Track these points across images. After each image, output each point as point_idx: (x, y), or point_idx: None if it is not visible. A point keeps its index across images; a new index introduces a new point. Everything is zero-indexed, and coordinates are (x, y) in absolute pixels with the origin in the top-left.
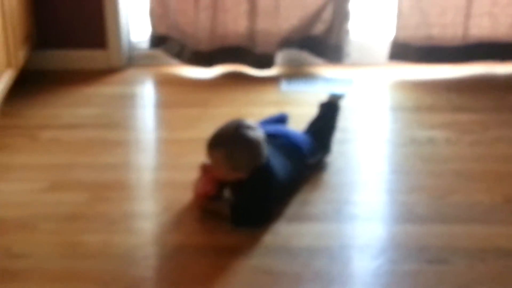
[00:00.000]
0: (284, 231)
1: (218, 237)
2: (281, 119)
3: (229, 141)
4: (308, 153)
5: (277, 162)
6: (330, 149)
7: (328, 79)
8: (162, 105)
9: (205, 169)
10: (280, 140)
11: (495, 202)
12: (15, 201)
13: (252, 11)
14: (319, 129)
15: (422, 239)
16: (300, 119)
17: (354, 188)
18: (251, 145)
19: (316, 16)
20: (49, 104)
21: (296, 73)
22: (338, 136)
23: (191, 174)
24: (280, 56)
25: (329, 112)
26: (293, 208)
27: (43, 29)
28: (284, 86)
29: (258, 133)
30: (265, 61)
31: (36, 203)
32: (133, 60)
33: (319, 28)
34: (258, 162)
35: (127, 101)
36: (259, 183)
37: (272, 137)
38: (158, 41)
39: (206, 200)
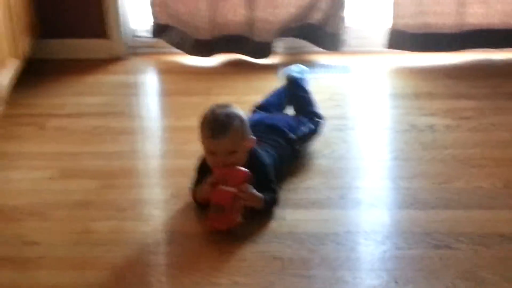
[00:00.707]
0: (290, 218)
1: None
2: (284, 91)
3: (231, 112)
4: (286, 128)
5: (260, 147)
6: (319, 118)
7: (325, 66)
8: (165, 93)
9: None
10: (258, 128)
11: (496, 188)
12: (25, 189)
13: (250, 0)
14: (296, 105)
15: (426, 225)
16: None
17: (357, 174)
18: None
19: (313, 4)
20: (54, 93)
21: (295, 60)
22: (339, 123)
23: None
24: (279, 44)
25: (291, 88)
26: (298, 194)
27: (47, 19)
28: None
29: None
30: (263, 50)
31: (45, 191)
32: (135, 49)
33: (316, 16)
34: None
35: (131, 89)
36: (261, 163)
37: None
38: (159, 30)
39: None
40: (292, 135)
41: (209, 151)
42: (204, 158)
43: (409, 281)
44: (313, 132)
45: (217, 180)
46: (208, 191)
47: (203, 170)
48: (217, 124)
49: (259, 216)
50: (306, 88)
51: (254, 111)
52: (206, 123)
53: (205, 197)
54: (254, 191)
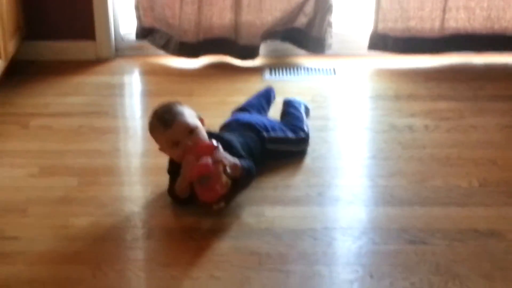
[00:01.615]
0: (269, 214)
1: (204, 220)
2: (267, 92)
3: (167, 102)
4: (260, 127)
5: (227, 134)
6: (303, 133)
7: (309, 69)
8: (149, 94)
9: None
10: (232, 124)
11: (472, 186)
12: (7, 186)
13: (237, 3)
14: (285, 119)
15: (402, 221)
16: (280, 107)
17: (336, 172)
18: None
19: (298, 9)
20: (39, 93)
21: (279, 63)
22: (320, 124)
23: None
24: (264, 47)
25: (285, 106)
26: (276, 192)
27: (33, 20)
28: (267, 75)
29: None
30: (249, 53)
31: (27, 187)
32: (121, 51)
33: (301, 20)
34: None
35: (115, 90)
36: (227, 141)
37: (224, 127)
38: (144, 32)
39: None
40: (264, 133)
41: (172, 144)
42: (171, 160)
43: (385, 276)
44: (289, 141)
45: (193, 160)
46: (189, 169)
47: (174, 170)
48: (163, 115)
49: (237, 211)
50: (299, 109)
51: (232, 114)
52: (155, 123)
53: (187, 182)
54: (229, 155)
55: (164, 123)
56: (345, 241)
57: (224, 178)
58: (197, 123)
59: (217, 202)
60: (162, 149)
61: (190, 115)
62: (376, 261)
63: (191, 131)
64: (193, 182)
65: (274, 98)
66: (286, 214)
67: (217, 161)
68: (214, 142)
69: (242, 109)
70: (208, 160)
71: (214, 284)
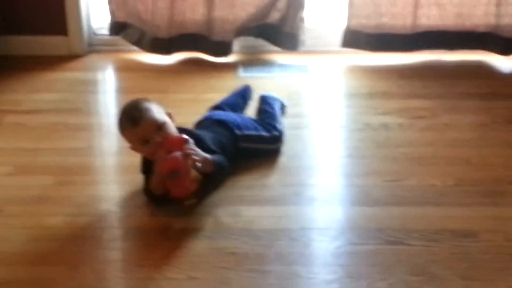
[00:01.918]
0: (246, 214)
1: (180, 220)
2: (244, 91)
3: (134, 99)
4: (233, 124)
5: (203, 132)
6: (276, 132)
7: (283, 66)
8: (123, 90)
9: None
10: (205, 122)
11: (447, 185)
12: None
13: None
14: (259, 117)
15: (379, 221)
16: (256, 103)
17: (311, 172)
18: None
19: (271, 4)
20: (12, 90)
21: (253, 60)
22: (294, 122)
23: None
24: (238, 43)
25: (260, 104)
26: (253, 191)
27: (5, 15)
28: (242, 72)
29: None
30: (222, 49)
31: (2, 187)
32: (94, 47)
33: (274, 16)
34: None
35: (88, 86)
36: (197, 137)
37: (197, 125)
38: (118, 28)
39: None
40: (236, 131)
41: (142, 141)
42: (144, 159)
43: (363, 276)
44: (263, 139)
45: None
46: (160, 164)
47: (148, 169)
48: (131, 113)
49: (214, 211)
50: (274, 106)
51: (207, 112)
52: (123, 121)
53: (158, 178)
54: (199, 150)
55: (132, 120)
56: (322, 241)
57: (194, 173)
58: (166, 118)
59: (188, 197)
60: (133, 147)
61: (158, 111)
62: (354, 261)
63: (160, 126)
64: (163, 177)
65: (251, 96)
66: (262, 214)
67: (187, 155)
68: (184, 136)
69: (217, 107)
70: (178, 154)
71: (192, 284)
